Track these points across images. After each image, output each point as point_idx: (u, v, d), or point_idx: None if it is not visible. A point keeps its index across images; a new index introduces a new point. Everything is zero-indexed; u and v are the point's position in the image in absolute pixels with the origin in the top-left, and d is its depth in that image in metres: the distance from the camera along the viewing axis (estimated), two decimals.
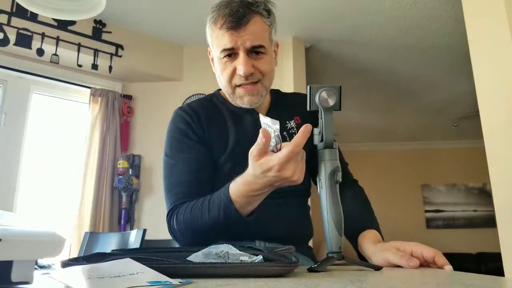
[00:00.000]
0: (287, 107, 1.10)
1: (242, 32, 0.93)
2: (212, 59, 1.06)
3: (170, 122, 1.06)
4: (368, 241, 0.87)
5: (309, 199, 1.12)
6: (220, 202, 0.83)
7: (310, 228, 1.10)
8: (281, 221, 0.98)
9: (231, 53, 0.96)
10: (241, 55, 0.94)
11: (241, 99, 1.00)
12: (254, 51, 0.96)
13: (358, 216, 0.96)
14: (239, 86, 0.98)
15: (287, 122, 1.07)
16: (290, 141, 1.04)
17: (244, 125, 1.04)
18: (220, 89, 1.13)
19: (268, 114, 1.08)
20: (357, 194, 1.06)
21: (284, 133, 1.06)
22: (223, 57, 0.97)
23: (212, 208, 0.85)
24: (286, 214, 1.00)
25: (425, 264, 0.76)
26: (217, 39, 0.97)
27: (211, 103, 1.09)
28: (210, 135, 1.01)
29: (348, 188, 1.06)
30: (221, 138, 1.01)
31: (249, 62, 0.95)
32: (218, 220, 0.84)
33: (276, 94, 1.14)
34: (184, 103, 1.62)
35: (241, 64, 0.94)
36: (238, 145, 1.00)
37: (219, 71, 1.00)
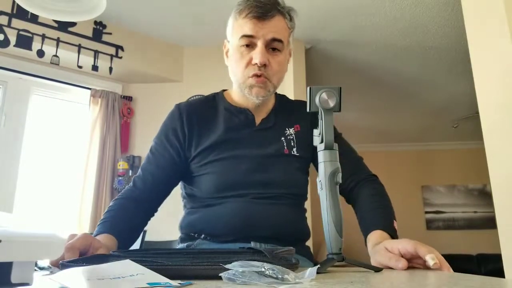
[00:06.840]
0: (288, 114, 1.12)
1: (266, 24, 0.97)
2: (227, 52, 1.07)
3: (168, 114, 1.11)
4: (370, 244, 0.88)
5: (305, 202, 1.11)
6: None
7: (306, 228, 1.08)
8: (270, 221, 0.97)
9: (249, 43, 0.98)
10: (259, 45, 0.97)
11: (250, 89, 1.01)
12: (272, 47, 0.99)
13: (368, 217, 0.95)
14: (251, 76, 1.00)
15: (286, 129, 1.09)
16: (287, 147, 1.05)
17: (235, 122, 1.06)
18: (224, 90, 1.15)
19: (269, 117, 1.09)
20: (373, 191, 1.02)
21: (282, 138, 1.07)
22: (241, 46, 0.99)
23: None
24: (276, 214, 0.98)
25: (413, 258, 0.74)
26: (239, 27, 0.99)
27: (211, 101, 1.12)
28: (199, 129, 1.05)
29: (366, 186, 1.03)
30: (208, 131, 1.05)
31: (265, 53, 0.98)
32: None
33: (280, 99, 1.15)
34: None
35: (257, 53, 0.97)
36: (223, 137, 1.03)
37: (234, 61, 1.02)
